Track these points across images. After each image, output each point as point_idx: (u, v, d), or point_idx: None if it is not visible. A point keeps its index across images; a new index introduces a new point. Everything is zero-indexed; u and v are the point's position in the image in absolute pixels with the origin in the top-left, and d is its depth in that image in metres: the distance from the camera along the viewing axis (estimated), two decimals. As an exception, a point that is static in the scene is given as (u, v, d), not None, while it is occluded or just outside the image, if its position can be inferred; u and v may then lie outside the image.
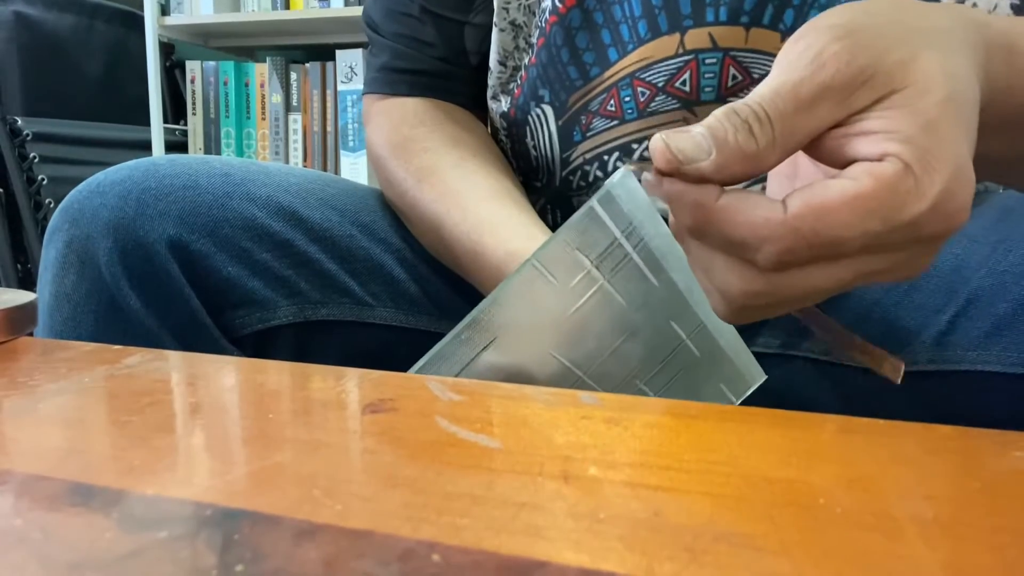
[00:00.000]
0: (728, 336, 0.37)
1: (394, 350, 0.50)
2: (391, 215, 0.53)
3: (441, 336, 0.51)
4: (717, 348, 0.37)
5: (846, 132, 0.25)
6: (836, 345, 0.33)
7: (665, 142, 0.26)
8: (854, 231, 0.24)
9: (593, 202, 0.33)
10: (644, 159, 0.49)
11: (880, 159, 0.24)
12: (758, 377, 0.38)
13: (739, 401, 0.38)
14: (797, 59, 0.25)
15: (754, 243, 0.25)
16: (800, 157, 0.30)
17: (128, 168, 0.45)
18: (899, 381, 0.30)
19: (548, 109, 0.51)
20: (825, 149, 0.26)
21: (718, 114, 0.26)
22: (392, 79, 0.57)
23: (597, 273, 0.35)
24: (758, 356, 0.49)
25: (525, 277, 0.35)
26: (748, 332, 0.49)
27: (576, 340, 0.36)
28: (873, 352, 0.31)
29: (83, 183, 0.46)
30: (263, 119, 1.77)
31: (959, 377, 0.39)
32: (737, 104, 0.26)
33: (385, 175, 0.54)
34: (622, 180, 0.33)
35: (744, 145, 0.25)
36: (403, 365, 0.50)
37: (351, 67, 1.69)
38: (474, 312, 0.36)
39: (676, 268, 0.35)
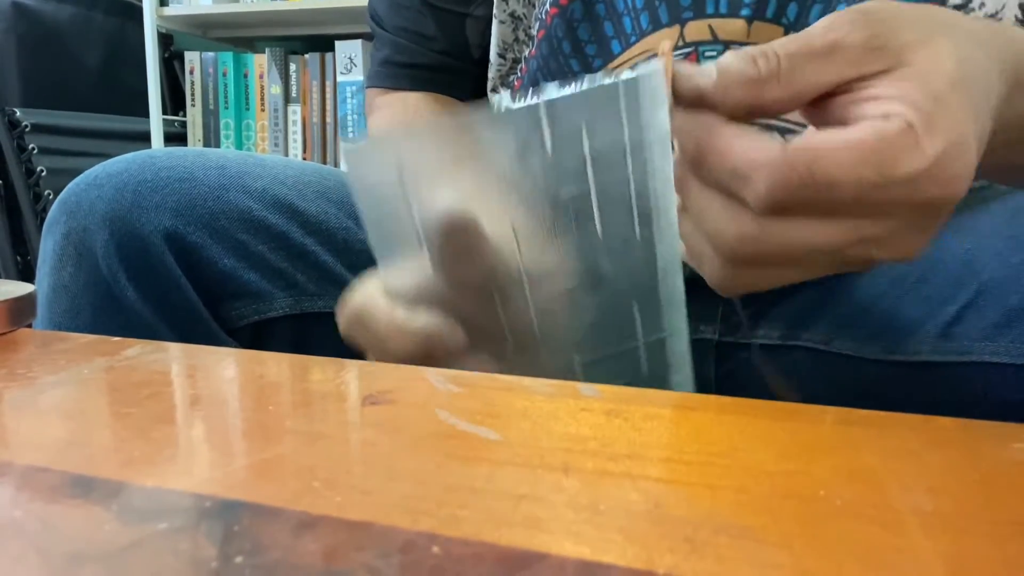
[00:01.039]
0: (682, 366, 0.34)
1: None
2: None
3: None
4: (665, 371, 0.33)
5: (853, 98, 0.26)
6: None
7: (673, 69, 0.27)
8: (848, 176, 0.24)
9: (617, 80, 0.28)
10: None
11: (885, 118, 0.25)
12: (686, 387, 0.35)
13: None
14: (813, 27, 0.26)
15: (748, 171, 0.25)
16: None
17: (125, 161, 0.46)
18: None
19: None
20: (831, 112, 0.26)
21: (728, 52, 0.27)
22: (394, 73, 0.57)
23: (590, 169, 0.30)
24: (759, 347, 0.49)
25: (523, 117, 0.29)
26: (750, 323, 0.49)
27: (537, 237, 0.31)
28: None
29: (80, 176, 0.46)
30: (262, 110, 1.76)
31: (965, 368, 0.39)
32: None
33: None
34: (652, 74, 0.28)
35: (746, 69, 0.26)
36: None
37: (351, 58, 1.68)
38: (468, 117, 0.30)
39: (663, 239, 0.31)
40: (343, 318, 0.31)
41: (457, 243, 0.30)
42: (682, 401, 0.28)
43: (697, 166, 0.27)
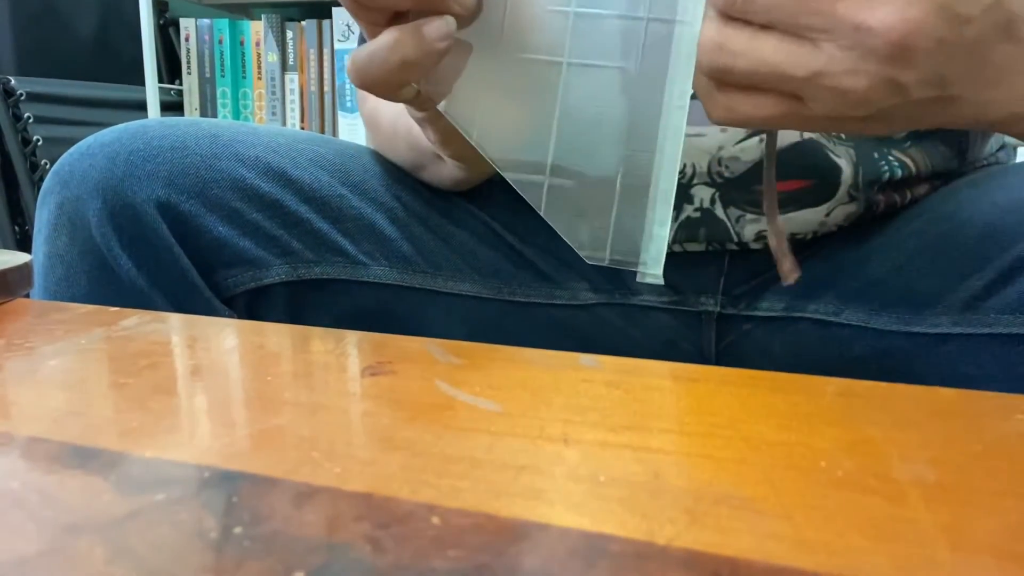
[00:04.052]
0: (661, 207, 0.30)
1: (388, 309, 0.50)
2: (382, 174, 0.53)
3: (436, 294, 0.51)
4: (642, 192, 0.30)
5: None
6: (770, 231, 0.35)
7: None
8: None
9: None
10: None
11: None
12: (652, 268, 0.31)
13: (606, 262, 0.31)
14: None
15: None
16: None
17: (118, 131, 0.45)
18: (788, 282, 0.35)
19: None
20: None
21: None
22: None
23: None
24: (762, 320, 0.49)
25: None
26: (751, 296, 0.49)
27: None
28: (785, 258, 0.35)
29: (74, 146, 0.45)
30: (259, 78, 1.74)
31: (989, 340, 0.40)
32: None
33: (374, 122, 0.54)
34: None
35: None
36: (397, 324, 0.50)
37: (348, 25, 1.66)
38: None
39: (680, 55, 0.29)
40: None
41: None
42: (683, 372, 0.27)
43: None
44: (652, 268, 0.30)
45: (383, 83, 0.32)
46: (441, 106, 0.32)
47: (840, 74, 0.27)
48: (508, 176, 0.32)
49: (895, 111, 0.28)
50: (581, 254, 0.31)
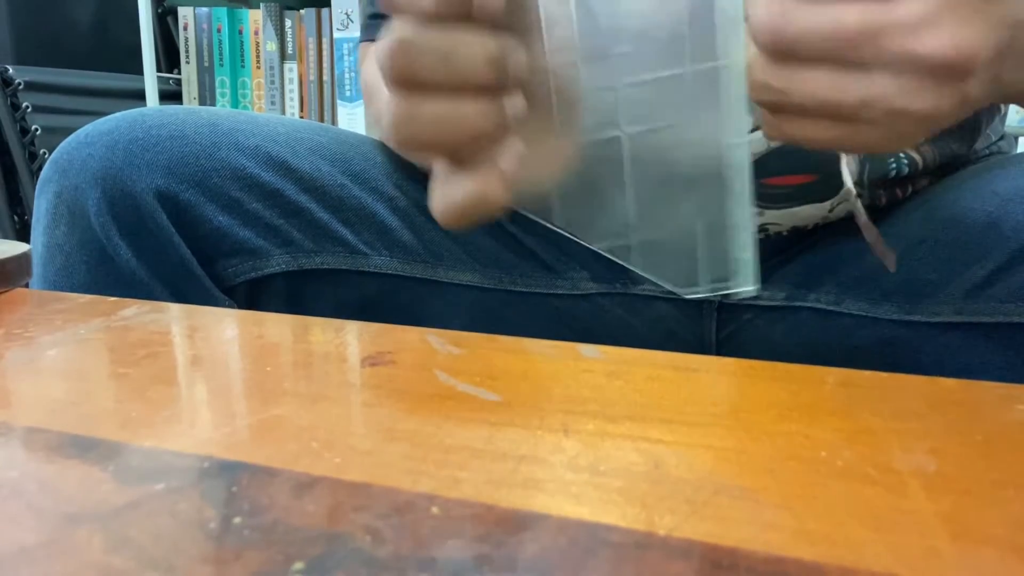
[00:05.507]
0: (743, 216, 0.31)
1: (389, 299, 0.50)
2: (383, 163, 0.53)
3: (437, 284, 0.50)
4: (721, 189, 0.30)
5: None
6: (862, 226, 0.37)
7: None
8: (846, 20, 0.25)
9: None
10: None
11: None
12: (744, 285, 0.32)
13: (703, 291, 0.32)
14: None
15: (754, 20, 0.27)
16: None
17: (116, 119, 0.45)
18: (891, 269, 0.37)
19: None
20: None
21: None
22: (382, 24, 0.56)
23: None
24: (763, 309, 0.49)
25: None
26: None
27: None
28: (878, 244, 0.36)
29: (72, 135, 0.45)
30: (258, 68, 1.74)
31: (990, 329, 0.40)
32: None
33: (373, 105, 0.54)
34: None
35: None
36: (398, 314, 0.50)
37: (347, 14, 1.65)
38: None
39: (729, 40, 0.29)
40: (386, 52, 0.27)
41: None
42: (683, 362, 0.27)
43: None
44: (744, 286, 0.32)
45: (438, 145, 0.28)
46: (512, 202, 0.32)
47: (897, 96, 0.26)
48: (596, 246, 0.33)
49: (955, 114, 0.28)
50: (677, 292, 0.33)
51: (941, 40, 0.25)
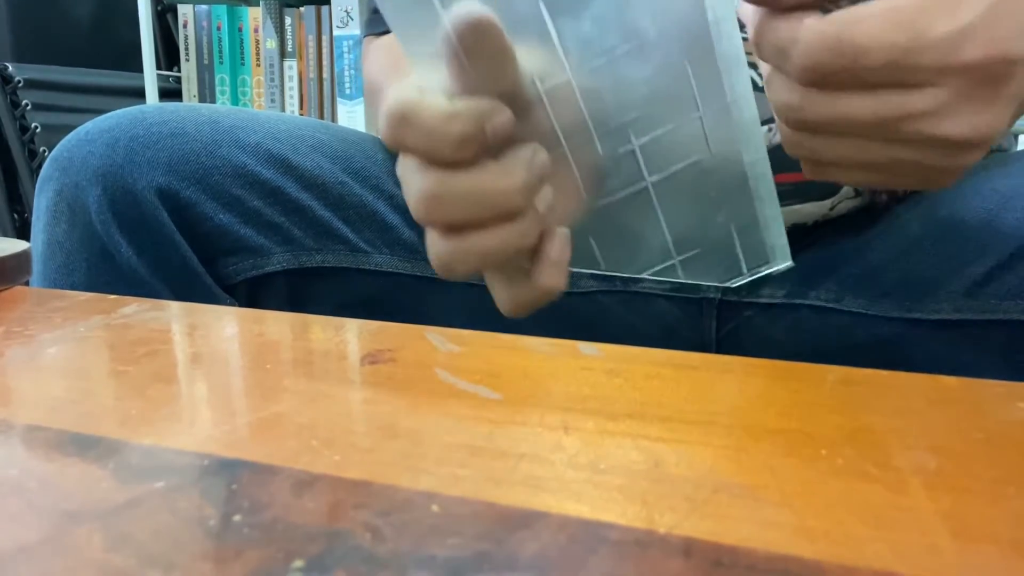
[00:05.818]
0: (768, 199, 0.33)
1: (389, 296, 0.50)
2: (384, 161, 0.52)
3: (438, 282, 0.50)
4: (744, 186, 0.32)
5: None
6: None
7: None
8: (880, 41, 0.25)
9: None
10: None
11: None
12: (780, 263, 0.34)
13: (746, 277, 0.35)
14: None
15: (787, 43, 0.26)
16: None
17: (116, 116, 0.45)
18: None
19: None
20: None
21: None
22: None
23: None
24: (763, 307, 0.49)
25: None
26: (752, 282, 0.49)
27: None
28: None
29: (72, 132, 0.45)
30: (258, 65, 1.73)
31: (989, 327, 0.40)
32: None
33: (376, 101, 0.54)
34: None
35: None
36: (399, 312, 0.50)
37: (347, 11, 1.65)
38: None
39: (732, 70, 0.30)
40: (386, 120, 0.27)
41: (475, 46, 0.26)
42: (683, 360, 0.27)
43: (757, 41, 0.28)
44: (782, 263, 0.35)
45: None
46: None
47: (924, 158, 0.27)
48: (645, 275, 0.35)
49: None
50: (722, 285, 0.36)
51: (960, 127, 0.26)
